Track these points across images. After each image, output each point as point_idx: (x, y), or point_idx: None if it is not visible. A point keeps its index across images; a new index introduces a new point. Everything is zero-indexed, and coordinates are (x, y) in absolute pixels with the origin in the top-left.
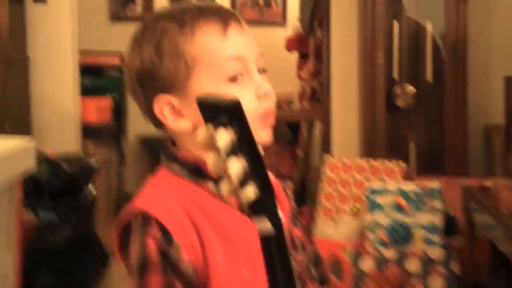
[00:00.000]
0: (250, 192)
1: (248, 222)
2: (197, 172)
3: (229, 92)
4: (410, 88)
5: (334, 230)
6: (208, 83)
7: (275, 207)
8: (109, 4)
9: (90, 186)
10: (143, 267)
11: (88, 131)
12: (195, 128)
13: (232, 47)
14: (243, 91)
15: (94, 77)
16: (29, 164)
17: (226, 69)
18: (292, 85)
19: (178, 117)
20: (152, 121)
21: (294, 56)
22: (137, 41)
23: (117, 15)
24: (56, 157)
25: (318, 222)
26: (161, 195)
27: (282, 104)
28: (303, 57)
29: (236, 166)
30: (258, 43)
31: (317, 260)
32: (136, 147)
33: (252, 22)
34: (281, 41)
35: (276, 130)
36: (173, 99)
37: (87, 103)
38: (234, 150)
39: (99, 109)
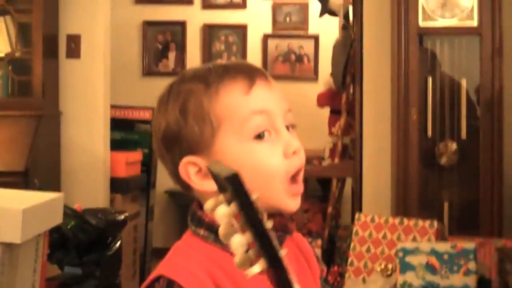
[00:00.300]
0: (257, 270)
1: None
2: None
3: (256, 151)
4: (453, 146)
5: None
6: (233, 142)
7: (289, 282)
8: (143, 60)
9: (116, 240)
10: None
11: (117, 185)
12: None
13: (256, 102)
14: (270, 150)
15: (125, 132)
16: (57, 219)
17: (251, 125)
18: (323, 142)
19: (205, 179)
20: (179, 183)
21: (325, 112)
22: (163, 103)
23: (150, 71)
24: (83, 211)
25: (347, 282)
26: (186, 261)
27: (312, 160)
28: (335, 113)
29: (239, 242)
30: (289, 99)
31: None
32: (164, 201)
33: (283, 78)
34: (313, 96)
35: (306, 186)
36: (200, 161)
37: (117, 157)
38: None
39: (128, 163)
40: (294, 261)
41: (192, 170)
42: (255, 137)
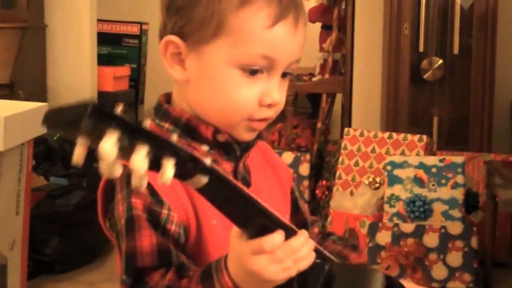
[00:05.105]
0: (168, 169)
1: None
2: (190, 133)
3: (236, 82)
4: (438, 61)
5: (351, 202)
6: (222, 59)
7: (196, 161)
8: None
9: None
10: (131, 230)
11: (104, 100)
12: (187, 83)
13: (269, 45)
14: (250, 89)
15: (113, 46)
16: (41, 128)
17: (250, 61)
18: (313, 58)
19: (177, 65)
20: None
21: (317, 28)
22: None
23: None
24: None
25: (335, 195)
26: None
27: (303, 76)
28: (326, 28)
29: (140, 158)
30: None
31: (328, 233)
32: (153, 117)
33: None
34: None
35: (296, 101)
36: (183, 48)
37: (104, 72)
38: (127, 146)
39: (116, 78)
40: (259, 166)
41: (171, 49)
42: (245, 70)
